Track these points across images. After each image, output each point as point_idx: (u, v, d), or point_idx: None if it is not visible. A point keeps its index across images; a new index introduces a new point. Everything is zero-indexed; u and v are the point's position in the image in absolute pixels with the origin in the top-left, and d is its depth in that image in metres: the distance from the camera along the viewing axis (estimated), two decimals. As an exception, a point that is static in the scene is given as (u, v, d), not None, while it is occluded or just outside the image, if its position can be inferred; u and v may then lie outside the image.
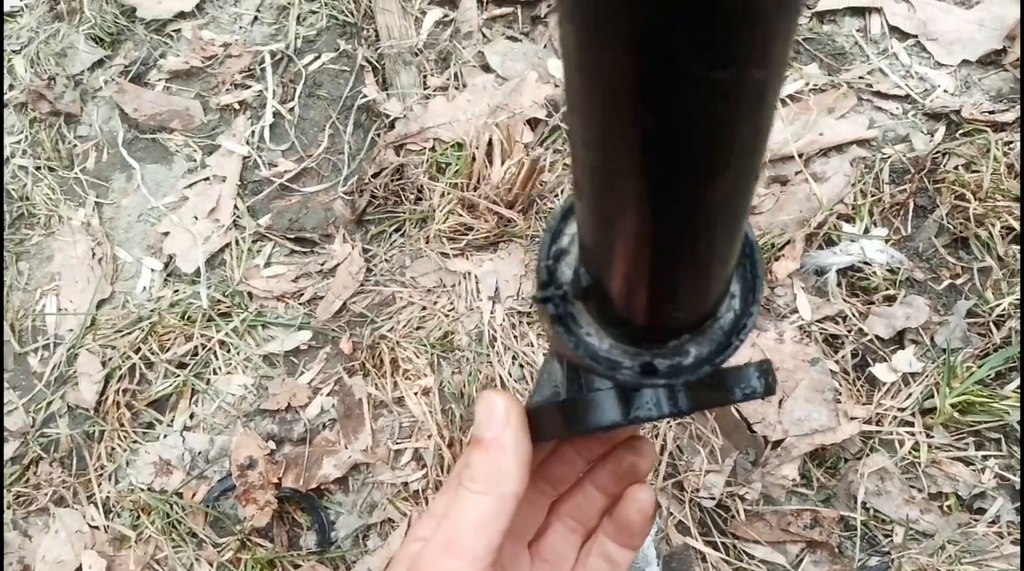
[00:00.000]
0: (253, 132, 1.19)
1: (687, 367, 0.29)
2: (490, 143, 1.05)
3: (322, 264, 1.08)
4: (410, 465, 0.94)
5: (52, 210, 1.18)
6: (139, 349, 1.04)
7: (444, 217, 1.04)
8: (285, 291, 1.07)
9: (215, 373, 1.03)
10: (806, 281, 0.96)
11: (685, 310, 0.27)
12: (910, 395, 0.89)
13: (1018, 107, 1.02)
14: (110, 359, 1.04)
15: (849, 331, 0.93)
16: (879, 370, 0.90)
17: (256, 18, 1.29)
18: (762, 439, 0.88)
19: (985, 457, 0.87)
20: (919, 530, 0.85)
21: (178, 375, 1.02)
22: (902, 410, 0.89)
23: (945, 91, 1.06)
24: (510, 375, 0.96)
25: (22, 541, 0.98)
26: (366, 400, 0.98)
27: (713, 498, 0.86)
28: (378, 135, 1.15)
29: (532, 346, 0.98)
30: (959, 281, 0.94)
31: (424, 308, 1.02)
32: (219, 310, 1.05)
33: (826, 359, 0.91)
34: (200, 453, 0.99)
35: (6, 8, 1.36)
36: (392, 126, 1.14)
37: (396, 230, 1.08)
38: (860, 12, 1.13)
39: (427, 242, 1.05)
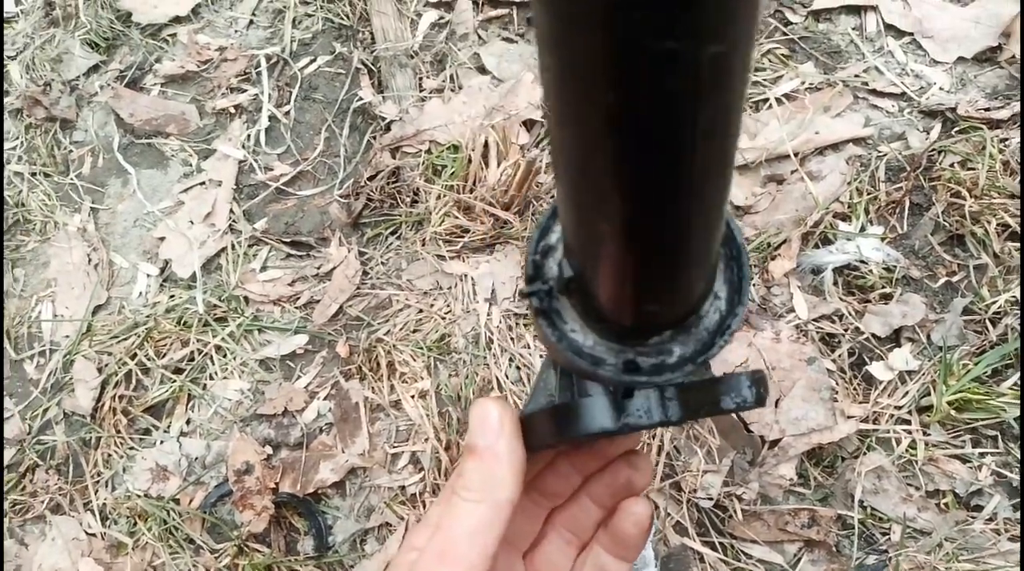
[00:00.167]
0: (249, 136, 1.19)
1: (670, 365, 0.29)
2: (486, 145, 1.05)
3: (318, 268, 1.08)
4: (407, 469, 0.94)
5: (48, 216, 1.18)
6: (135, 355, 1.04)
7: (440, 219, 1.04)
8: (281, 295, 1.07)
9: (211, 378, 1.03)
10: (802, 280, 0.96)
11: (663, 303, 0.27)
12: (907, 393, 0.89)
13: (1013, 104, 1.02)
14: (106, 365, 1.04)
15: (845, 330, 0.93)
16: (876, 368, 0.90)
17: (251, 22, 1.29)
18: (759, 439, 0.88)
19: (982, 454, 0.87)
20: (916, 528, 0.85)
21: (174, 381, 1.02)
22: (899, 408, 0.89)
23: (941, 88, 1.06)
24: (507, 377, 0.96)
25: (19, 549, 0.98)
26: (363, 404, 0.97)
27: (711, 498, 0.86)
28: (374, 138, 1.15)
29: (529, 348, 0.97)
30: (955, 279, 0.94)
31: (420, 311, 1.02)
32: (215, 315, 1.05)
33: (823, 358, 0.91)
34: (197, 459, 0.99)
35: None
36: (388, 129, 1.14)
37: (392, 233, 1.08)
38: (856, 10, 1.13)
39: (423, 245, 1.05)
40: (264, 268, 1.10)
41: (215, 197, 1.15)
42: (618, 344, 0.30)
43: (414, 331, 1.01)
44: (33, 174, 1.22)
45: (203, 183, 1.17)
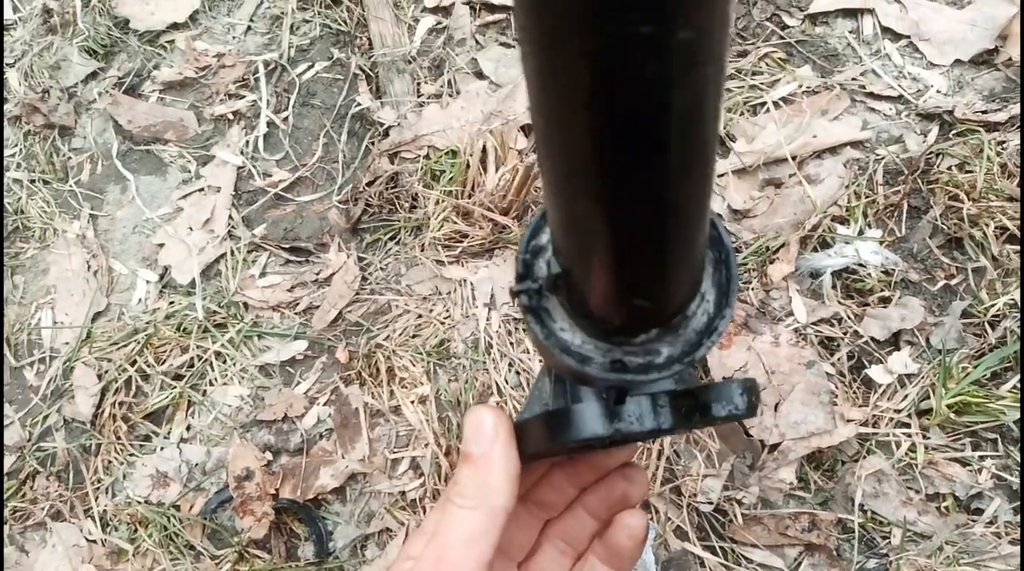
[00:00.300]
0: (247, 142, 1.19)
1: (658, 365, 0.29)
2: (484, 150, 1.05)
3: (317, 273, 1.08)
4: (407, 474, 0.94)
5: (47, 223, 1.18)
6: (135, 361, 1.04)
7: (439, 225, 1.04)
8: (281, 301, 1.07)
9: (211, 384, 1.03)
10: (801, 284, 0.96)
11: (648, 298, 0.27)
12: (906, 396, 0.89)
13: (1010, 106, 1.02)
14: (106, 372, 1.04)
15: (844, 333, 0.93)
16: (875, 372, 0.90)
17: (249, 28, 1.30)
18: (759, 443, 0.88)
19: (982, 457, 0.87)
20: (917, 531, 0.85)
21: (174, 387, 1.02)
22: (898, 412, 0.89)
23: (938, 91, 1.06)
24: (506, 382, 0.96)
25: (19, 556, 0.98)
26: (362, 409, 0.98)
27: (711, 502, 0.86)
28: (372, 143, 1.15)
29: (528, 353, 0.97)
30: (954, 282, 0.94)
31: (420, 316, 1.02)
32: (215, 321, 1.05)
33: (822, 362, 0.91)
34: (197, 465, 0.99)
35: (-1, 21, 1.37)
36: (386, 134, 1.14)
37: (391, 238, 1.08)
38: (852, 13, 1.13)
39: (422, 250, 1.05)
40: (263, 274, 1.10)
41: (214, 203, 1.15)
42: (606, 343, 0.30)
43: (413, 336, 1.01)
44: (32, 181, 1.22)
45: (202, 189, 1.17)
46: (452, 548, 0.33)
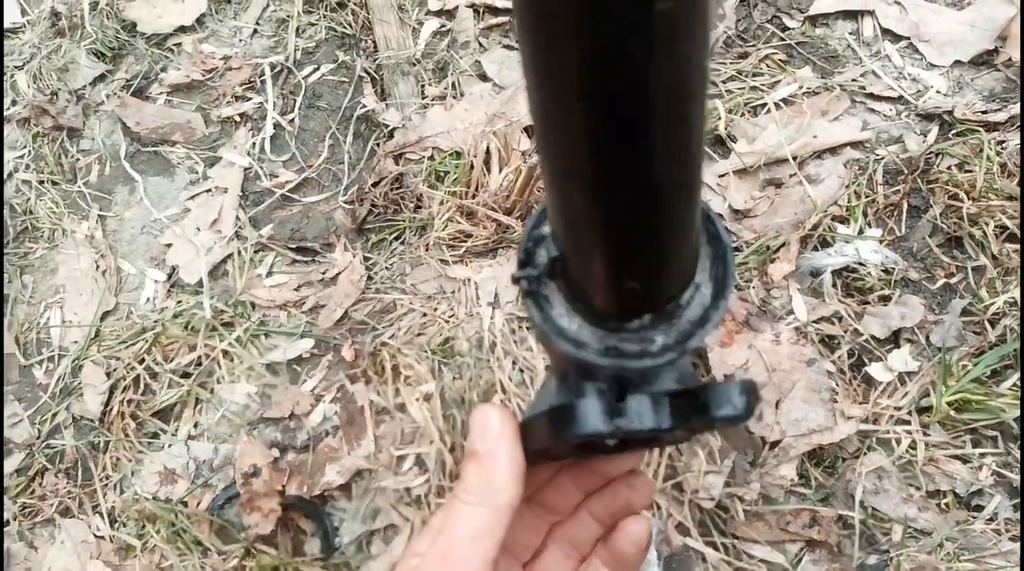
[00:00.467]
0: (254, 144, 1.20)
1: (652, 353, 0.30)
2: (488, 151, 1.06)
3: (323, 273, 1.09)
4: (412, 471, 0.95)
5: (56, 224, 1.19)
6: (143, 360, 1.05)
7: (443, 225, 1.05)
8: (287, 300, 1.08)
9: (219, 382, 1.04)
10: (802, 283, 0.96)
11: (638, 279, 0.28)
12: (906, 394, 0.90)
13: (1010, 107, 1.03)
14: (114, 370, 1.05)
15: (845, 331, 0.93)
16: (875, 369, 0.91)
17: (256, 31, 1.31)
18: (760, 440, 0.89)
19: (982, 455, 0.88)
20: (917, 528, 0.86)
21: (182, 385, 1.03)
22: (899, 409, 0.90)
23: (938, 92, 1.07)
24: (510, 379, 0.97)
25: (28, 552, 0.99)
26: (368, 407, 0.99)
27: (712, 499, 0.87)
28: (377, 145, 1.16)
29: (532, 351, 0.98)
30: (953, 280, 0.95)
31: (425, 315, 1.03)
32: (222, 320, 1.07)
33: (822, 359, 0.92)
34: (204, 462, 1.00)
35: (8, 24, 1.38)
36: (391, 136, 1.15)
37: (396, 238, 1.10)
38: (852, 15, 1.14)
39: (427, 249, 1.06)
40: (270, 273, 1.11)
41: (221, 204, 1.16)
42: (602, 329, 0.31)
43: (418, 335, 1.02)
44: (41, 182, 1.24)
45: (209, 190, 1.18)
46: (458, 545, 0.34)
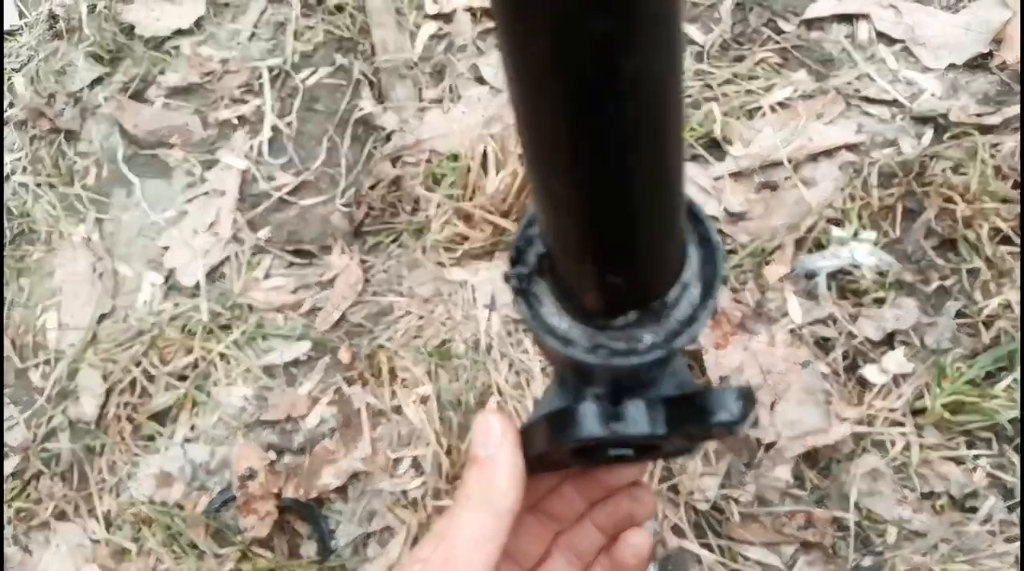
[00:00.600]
0: (252, 146, 1.21)
1: (640, 351, 0.31)
2: (485, 154, 1.06)
3: (321, 275, 1.09)
4: (409, 473, 0.95)
5: (53, 226, 1.20)
6: (140, 363, 1.05)
7: (440, 227, 1.06)
8: (284, 303, 1.08)
9: (215, 385, 1.04)
10: (796, 285, 0.97)
11: (618, 273, 0.28)
12: (901, 396, 0.90)
13: (1004, 110, 1.03)
14: (111, 373, 1.05)
15: (839, 333, 0.94)
16: (870, 372, 0.91)
17: (253, 34, 1.31)
18: (755, 441, 0.89)
19: (976, 456, 0.88)
20: (912, 529, 0.86)
21: (179, 388, 1.03)
22: (893, 411, 0.90)
23: (932, 95, 1.07)
24: (507, 382, 0.97)
25: (23, 556, 0.99)
26: (364, 409, 0.99)
27: (708, 500, 0.87)
28: (375, 148, 1.17)
29: (528, 353, 0.99)
30: (948, 283, 0.96)
31: (421, 317, 1.04)
32: (219, 323, 1.07)
33: (817, 361, 0.92)
34: (201, 465, 1.00)
35: (6, 27, 1.38)
36: (388, 139, 1.15)
37: (393, 241, 1.10)
38: (848, 18, 1.15)
39: (424, 252, 1.07)
40: (267, 276, 1.11)
41: (219, 207, 1.16)
42: (590, 327, 0.31)
43: (415, 337, 1.02)
44: (38, 185, 1.24)
45: (207, 193, 1.19)
46: (459, 550, 0.34)
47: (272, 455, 0.98)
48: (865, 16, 1.13)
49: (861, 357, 0.93)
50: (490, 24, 1.24)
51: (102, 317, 1.12)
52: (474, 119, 1.13)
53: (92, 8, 1.36)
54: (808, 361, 0.91)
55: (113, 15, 1.34)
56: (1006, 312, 0.92)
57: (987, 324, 0.93)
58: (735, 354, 0.91)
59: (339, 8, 1.28)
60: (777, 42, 1.14)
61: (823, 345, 0.94)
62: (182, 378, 1.04)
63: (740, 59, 1.13)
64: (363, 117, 1.20)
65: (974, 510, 0.87)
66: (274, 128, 1.22)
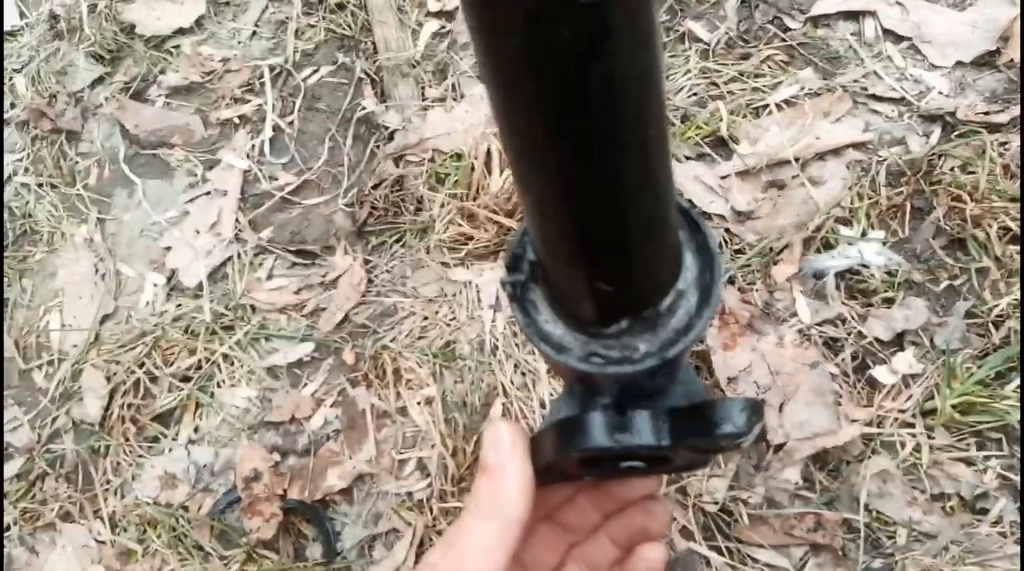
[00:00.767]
0: (253, 146, 1.20)
1: (634, 360, 0.30)
2: (489, 152, 1.06)
3: (324, 276, 1.09)
4: (414, 475, 0.95)
5: (55, 227, 1.19)
6: (143, 364, 1.05)
7: (444, 227, 1.05)
8: (287, 303, 1.07)
9: (219, 386, 1.03)
10: (805, 285, 0.96)
11: (607, 281, 0.28)
12: (910, 397, 0.90)
13: (1012, 108, 1.02)
14: (114, 374, 1.05)
15: (848, 334, 0.93)
16: (879, 372, 0.91)
17: (255, 33, 1.30)
18: (764, 443, 0.88)
19: (987, 457, 0.87)
20: (922, 531, 0.86)
21: (182, 389, 1.03)
22: (903, 412, 0.89)
23: (940, 93, 1.07)
24: (512, 383, 0.97)
25: (29, 557, 0.99)
26: (369, 411, 0.98)
27: (716, 502, 0.87)
28: (377, 147, 1.16)
29: (533, 354, 0.98)
30: (957, 282, 0.95)
31: (426, 318, 1.03)
32: (222, 323, 1.06)
33: (826, 362, 0.92)
34: (205, 466, 1.00)
35: (7, 27, 1.38)
36: (391, 138, 1.15)
37: (397, 241, 1.09)
38: (854, 16, 1.14)
39: (428, 252, 1.06)
40: (270, 277, 1.10)
41: (220, 207, 1.16)
42: (584, 335, 0.31)
43: (419, 338, 1.02)
44: (40, 185, 1.23)
45: (208, 193, 1.18)
46: (468, 558, 0.34)
47: (276, 457, 0.97)
48: (871, 13, 1.13)
49: (870, 358, 0.92)
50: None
51: (105, 318, 1.11)
52: (477, 117, 1.13)
53: (93, 8, 1.35)
54: (817, 362, 0.90)
55: (114, 15, 1.34)
56: (1015, 312, 0.92)
57: (997, 324, 0.92)
58: (743, 355, 0.90)
59: (340, 6, 1.27)
60: (783, 39, 1.13)
61: (832, 346, 0.93)
62: (185, 379, 1.04)
63: (746, 57, 1.12)
64: (365, 116, 1.19)
65: (984, 511, 0.86)
66: (276, 127, 1.21)
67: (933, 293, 0.95)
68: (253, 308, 1.07)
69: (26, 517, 1.00)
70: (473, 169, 1.04)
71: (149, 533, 0.96)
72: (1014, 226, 0.94)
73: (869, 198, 0.99)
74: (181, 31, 1.31)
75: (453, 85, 1.18)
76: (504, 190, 1.02)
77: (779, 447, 0.88)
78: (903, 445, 0.88)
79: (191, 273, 1.11)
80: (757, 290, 0.97)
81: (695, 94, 1.10)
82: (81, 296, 1.13)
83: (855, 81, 1.08)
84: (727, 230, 1.01)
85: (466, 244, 1.04)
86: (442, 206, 1.06)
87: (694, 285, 0.31)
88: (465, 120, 1.13)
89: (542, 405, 0.94)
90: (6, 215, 1.21)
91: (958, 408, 0.87)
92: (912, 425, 0.89)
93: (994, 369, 0.89)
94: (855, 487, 0.87)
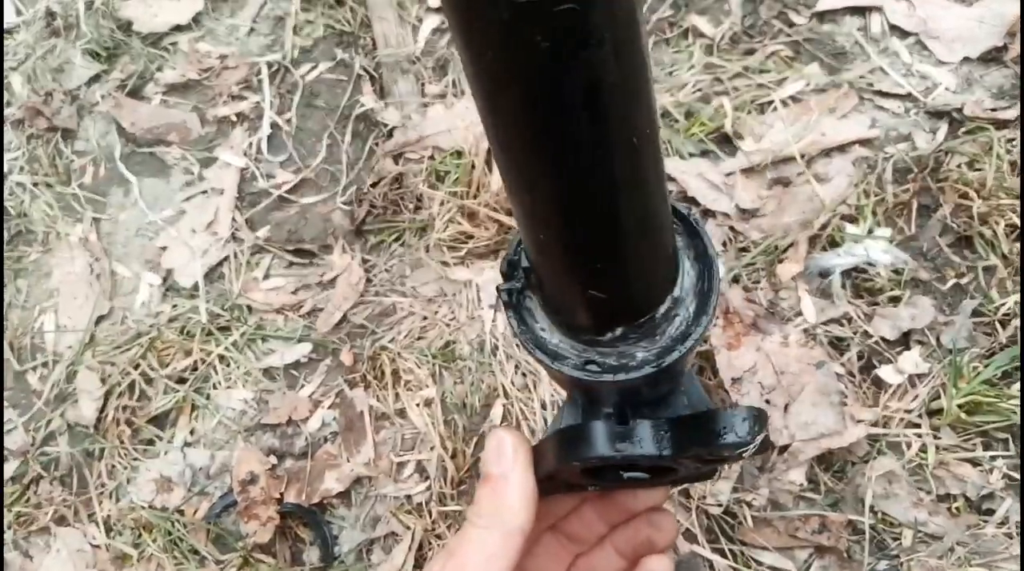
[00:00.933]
0: (251, 144, 1.19)
1: (631, 367, 0.30)
2: (489, 150, 1.04)
3: (321, 275, 1.07)
4: (413, 478, 0.94)
5: (50, 226, 1.18)
6: (138, 365, 1.03)
7: (444, 226, 1.04)
8: (284, 303, 1.06)
9: (215, 388, 1.02)
10: (810, 283, 0.95)
11: (599, 289, 0.28)
12: (916, 396, 0.88)
13: (1020, 104, 1.01)
14: (109, 376, 1.04)
15: (854, 333, 0.92)
16: (885, 372, 0.89)
17: (252, 29, 1.29)
18: (767, 451, 0.87)
19: (993, 457, 0.86)
20: (928, 532, 0.84)
21: (178, 391, 1.02)
22: (909, 412, 0.88)
23: (947, 89, 1.05)
24: (513, 384, 0.95)
25: (23, 561, 0.98)
26: (367, 412, 0.97)
27: (720, 505, 0.85)
28: (376, 144, 1.15)
29: (534, 354, 0.97)
30: (964, 280, 0.94)
31: (425, 318, 1.02)
32: (218, 324, 1.05)
33: (832, 362, 0.90)
34: (201, 469, 0.98)
35: (3, 25, 1.36)
36: (390, 135, 1.13)
37: (396, 240, 1.08)
38: (860, 11, 1.12)
39: (427, 251, 1.05)
40: (267, 276, 1.09)
41: (217, 205, 1.14)
42: (580, 343, 0.31)
43: (419, 338, 1.00)
44: (35, 184, 1.22)
45: (205, 191, 1.17)
46: (470, 568, 0.34)
47: (273, 459, 0.96)
48: (878, 8, 1.11)
49: (876, 357, 0.91)
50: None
51: (100, 319, 1.10)
52: (478, 115, 1.11)
53: (89, 4, 1.34)
54: (822, 361, 0.89)
55: (110, 11, 1.32)
56: (1023, 310, 0.90)
57: (1003, 323, 0.91)
58: (748, 355, 0.89)
59: (339, 2, 1.26)
60: (788, 35, 1.11)
61: (838, 345, 0.92)
62: (181, 381, 1.03)
63: (751, 52, 1.11)
64: (364, 113, 1.18)
65: (991, 512, 0.85)
66: (273, 125, 1.20)
67: (940, 291, 0.94)
68: (250, 308, 1.06)
69: (20, 521, 0.99)
70: (474, 167, 1.03)
71: (144, 537, 0.95)
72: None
73: (875, 195, 0.98)
74: (178, 28, 1.30)
75: (453, 81, 1.17)
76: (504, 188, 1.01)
77: (784, 448, 0.87)
78: (909, 446, 0.87)
79: (187, 273, 1.10)
80: (762, 289, 0.95)
81: (699, 90, 1.09)
82: (76, 296, 1.12)
83: (861, 77, 1.07)
84: (731, 228, 1.00)
85: (466, 243, 1.03)
86: (442, 204, 1.04)
87: (692, 292, 0.30)
88: (466, 117, 1.11)
89: (543, 407, 0.93)
90: (1, 215, 1.20)
91: (964, 408, 0.86)
92: (918, 425, 0.88)
93: (1000, 368, 0.87)
94: (860, 488, 0.86)
